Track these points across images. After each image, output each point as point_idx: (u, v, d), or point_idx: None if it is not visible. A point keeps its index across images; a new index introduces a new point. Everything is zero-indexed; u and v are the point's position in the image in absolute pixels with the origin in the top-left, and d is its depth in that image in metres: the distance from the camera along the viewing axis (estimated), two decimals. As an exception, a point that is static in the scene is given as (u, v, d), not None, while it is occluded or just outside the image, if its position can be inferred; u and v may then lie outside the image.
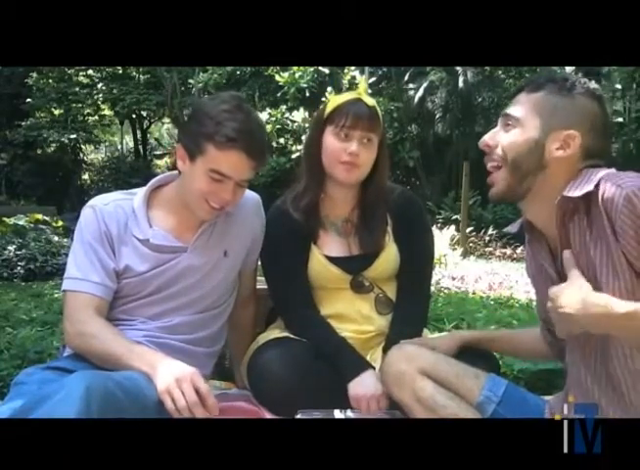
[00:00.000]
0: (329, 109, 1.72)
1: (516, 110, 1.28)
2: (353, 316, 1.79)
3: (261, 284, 1.90)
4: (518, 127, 1.27)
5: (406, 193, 1.87)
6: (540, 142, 1.26)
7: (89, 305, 1.55)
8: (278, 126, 10.41)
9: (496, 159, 1.30)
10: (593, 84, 1.26)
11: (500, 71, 12.44)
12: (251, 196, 1.77)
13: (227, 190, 1.55)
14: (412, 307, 1.79)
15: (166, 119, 17.00)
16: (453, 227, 8.54)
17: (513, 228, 1.45)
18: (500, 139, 1.29)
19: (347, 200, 1.80)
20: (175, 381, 1.32)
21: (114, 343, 1.47)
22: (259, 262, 1.86)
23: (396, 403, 1.50)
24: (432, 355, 1.49)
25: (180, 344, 1.64)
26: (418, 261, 1.81)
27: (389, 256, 1.78)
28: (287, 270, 1.76)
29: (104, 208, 1.62)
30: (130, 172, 15.13)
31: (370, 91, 10.50)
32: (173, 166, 1.64)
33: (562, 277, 1.25)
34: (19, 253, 5.82)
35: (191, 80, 12.98)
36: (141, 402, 1.26)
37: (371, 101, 1.73)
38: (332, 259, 1.77)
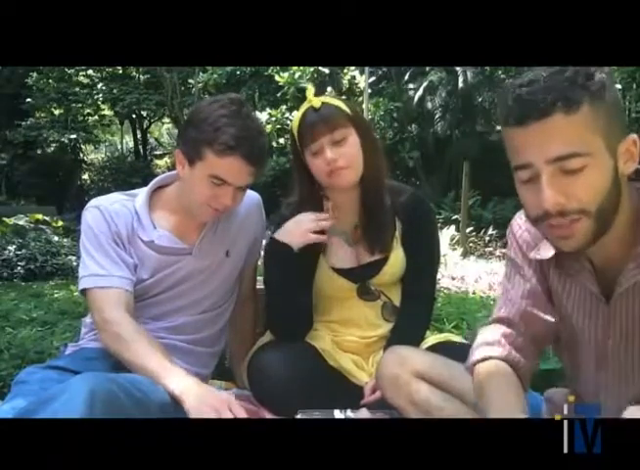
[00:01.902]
0: (295, 134, 1.69)
1: (573, 144, 0.96)
2: (359, 322, 1.77)
3: (261, 284, 1.89)
4: (588, 165, 0.97)
5: (416, 195, 1.82)
6: (614, 166, 0.99)
7: (120, 302, 1.52)
8: (278, 126, 10.41)
9: (573, 212, 0.99)
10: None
11: (500, 71, 12.42)
12: (252, 196, 1.77)
13: (227, 195, 1.54)
14: (416, 312, 1.77)
15: (166, 119, 16.98)
16: (453, 227, 8.54)
17: (546, 253, 1.18)
18: (572, 190, 0.98)
19: (354, 204, 1.76)
20: (218, 410, 1.31)
21: (152, 357, 1.43)
22: (259, 266, 1.85)
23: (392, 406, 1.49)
24: (426, 357, 1.47)
25: (182, 344, 1.64)
26: (424, 265, 1.79)
27: (396, 261, 1.76)
28: (292, 283, 1.70)
29: (110, 207, 1.60)
30: (130, 172, 15.13)
31: (370, 90, 10.53)
32: (173, 166, 1.64)
33: (607, 296, 1.12)
34: (19, 253, 5.83)
35: (191, 80, 12.99)
36: (144, 406, 1.26)
37: (318, 101, 1.65)
38: (339, 271, 1.75)
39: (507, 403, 1.09)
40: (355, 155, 1.66)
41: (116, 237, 1.58)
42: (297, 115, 1.70)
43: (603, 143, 0.98)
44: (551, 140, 0.97)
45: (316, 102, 1.65)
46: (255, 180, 1.63)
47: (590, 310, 1.16)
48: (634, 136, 1.01)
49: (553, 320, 1.23)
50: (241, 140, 1.49)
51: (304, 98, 1.70)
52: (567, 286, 1.19)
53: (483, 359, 1.22)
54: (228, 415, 1.30)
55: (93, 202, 1.64)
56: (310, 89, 1.72)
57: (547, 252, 1.18)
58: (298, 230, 1.67)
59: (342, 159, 1.62)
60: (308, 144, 1.64)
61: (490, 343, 1.24)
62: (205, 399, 1.32)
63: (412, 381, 1.41)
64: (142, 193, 1.67)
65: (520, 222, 1.25)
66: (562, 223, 1.00)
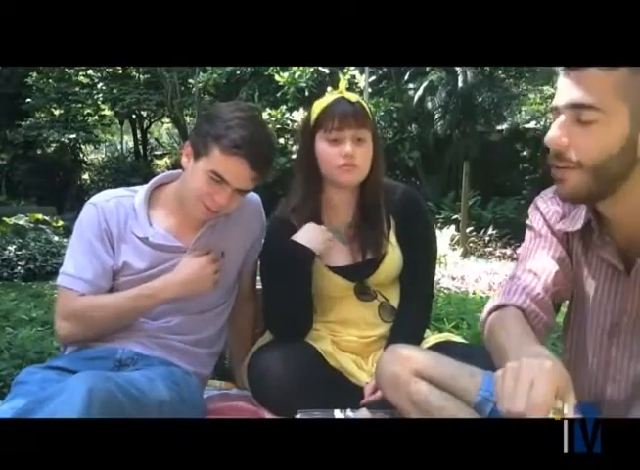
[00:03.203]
0: (314, 114, 1.68)
1: (592, 97, 0.99)
2: (357, 322, 1.78)
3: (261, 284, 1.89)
4: (599, 122, 1.00)
5: (409, 191, 1.83)
6: (633, 137, 1.01)
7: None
8: (278, 126, 10.41)
9: (569, 160, 1.05)
10: None
11: (500, 71, 12.41)
12: (252, 197, 1.77)
13: (223, 194, 1.55)
14: (414, 311, 1.78)
15: (166, 119, 16.97)
16: (453, 227, 8.54)
17: (573, 226, 1.23)
18: (576, 140, 1.03)
19: (349, 204, 1.77)
20: (201, 266, 1.60)
21: (112, 300, 1.59)
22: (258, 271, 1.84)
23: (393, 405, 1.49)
24: (425, 356, 1.46)
25: (182, 344, 1.64)
26: (421, 262, 1.79)
27: (393, 260, 1.76)
28: (288, 285, 1.70)
29: (105, 204, 1.63)
30: (130, 172, 15.08)
31: (370, 90, 10.52)
32: (174, 166, 1.65)
33: (628, 270, 1.16)
34: (19, 253, 5.82)
35: (191, 80, 12.97)
36: (143, 405, 1.26)
37: (354, 97, 1.69)
38: (335, 270, 1.75)
39: (526, 344, 1.03)
40: (368, 157, 1.69)
41: (105, 235, 1.61)
42: (323, 99, 1.71)
43: (627, 110, 1.00)
44: (578, 87, 1.02)
45: (352, 96, 1.69)
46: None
47: (610, 282, 1.19)
48: None
49: (571, 286, 1.25)
50: (248, 143, 1.51)
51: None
52: (589, 258, 1.23)
53: (498, 307, 1.21)
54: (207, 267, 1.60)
55: (93, 198, 1.67)
56: (344, 81, 1.78)
57: (574, 225, 1.23)
58: (320, 237, 1.69)
59: (359, 157, 1.65)
60: (330, 130, 1.64)
61: (507, 292, 1.22)
62: (187, 279, 1.59)
63: (412, 380, 1.40)
64: (142, 190, 1.68)
65: (545, 198, 1.30)
66: (560, 166, 1.06)
